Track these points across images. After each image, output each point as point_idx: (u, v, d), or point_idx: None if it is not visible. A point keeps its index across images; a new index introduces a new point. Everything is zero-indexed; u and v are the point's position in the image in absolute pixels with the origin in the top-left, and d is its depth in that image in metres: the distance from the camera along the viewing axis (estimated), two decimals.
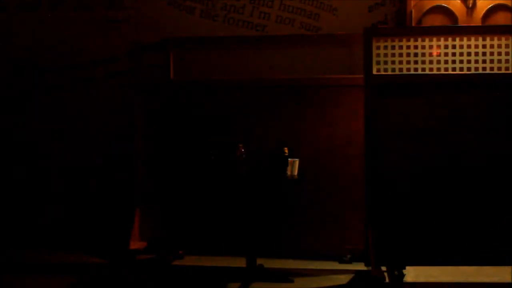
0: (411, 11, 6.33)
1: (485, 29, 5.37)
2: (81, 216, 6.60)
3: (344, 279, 5.55)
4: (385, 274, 5.28)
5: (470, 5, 6.32)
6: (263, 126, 6.15)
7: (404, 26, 6.23)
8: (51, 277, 5.71)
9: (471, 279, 5.43)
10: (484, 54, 5.20)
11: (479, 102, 5.19)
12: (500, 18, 6.30)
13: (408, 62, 5.25)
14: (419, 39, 5.24)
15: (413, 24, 6.28)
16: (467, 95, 5.19)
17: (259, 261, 5.61)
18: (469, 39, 5.22)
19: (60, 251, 6.39)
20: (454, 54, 5.22)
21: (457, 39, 5.23)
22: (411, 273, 5.51)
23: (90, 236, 6.52)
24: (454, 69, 5.22)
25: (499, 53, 5.19)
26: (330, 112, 6.11)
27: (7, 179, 6.74)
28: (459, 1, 6.35)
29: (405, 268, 5.44)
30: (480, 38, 5.21)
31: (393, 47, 5.25)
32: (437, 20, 6.33)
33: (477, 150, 5.16)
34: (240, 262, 5.66)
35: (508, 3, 6.34)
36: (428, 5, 6.36)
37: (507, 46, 5.19)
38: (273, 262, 5.89)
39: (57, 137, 6.69)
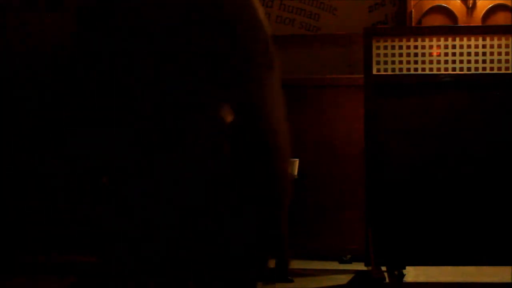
0: (411, 11, 6.33)
1: (485, 29, 5.38)
2: (80, 216, 6.59)
3: (344, 279, 5.55)
4: (385, 274, 5.28)
5: (470, 5, 6.32)
6: None
7: (404, 26, 6.24)
8: (51, 277, 5.70)
9: (471, 279, 5.43)
10: (484, 54, 5.20)
11: (479, 102, 5.19)
12: (500, 18, 6.30)
13: (408, 62, 5.25)
14: (419, 39, 5.25)
15: (413, 24, 6.28)
16: (467, 95, 5.19)
17: None
18: (469, 39, 5.22)
19: (60, 251, 6.39)
20: (454, 54, 5.22)
21: (457, 39, 5.23)
22: (411, 273, 5.51)
23: (90, 236, 6.52)
24: (454, 69, 5.22)
25: (499, 53, 5.19)
26: (330, 112, 6.11)
27: (5, 180, 6.74)
28: (459, 1, 6.36)
29: (405, 268, 5.44)
30: (480, 38, 5.21)
31: (393, 47, 5.25)
32: (437, 20, 6.33)
33: (477, 150, 5.16)
34: None
35: (508, 3, 6.34)
36: (428, 5, 6.36)
37: (507, 46, 5.19)
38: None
39: (57, 137, 6.68)
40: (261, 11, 2.02)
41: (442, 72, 5.23)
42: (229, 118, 2.04)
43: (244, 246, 2.26)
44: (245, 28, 1.96)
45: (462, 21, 6.27)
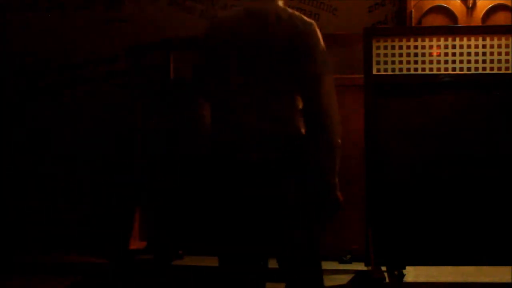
0: (411, 11, 6.34)
1: (485, 29, 5.37)
2: (80, 216, 6.60)
3: (344, 279, 5.54)
4: (385, 274, 5.28)
5: (470, 5, 6.32)
6: None
7: (404, 26, 6.24)
8: (51, 277, 5.71)
9: (471, 279, 5.43)
10: (484, 54, 5.20)
11: (479, 102, 5.19)
12: (500, 18, 6.30)
13: (408, 62, 5.25)
14: (419, 39, 5.25)
15: (413, 24, 6.29)
16: (467, 95, 5.19)
17: None
18: (469, 39, 5.22)
19: (60, 251, 6.39)
20: (454, 54, 5.22)
21: (457, 39, 5.23)
22: (411, 273, 5.51)
23: (90, 236, 6.53)
24: (454, 69, 5.22)
25: (499, 53, 5.19)
26: None
27: (5, 180, 6.75)
28: (459, 1, 6.36)
29: (405, 268, 5.44)
30: (480, 38, 5.21)
31: (393, 47, 5.25)
32: (437, 20, 6.33)
33: (477, 150, 5.16)
34: None
35: (508, 3, 6.34)
36: (428, 5, 6.37)
37: (507, 46, 5.19)
38: (273, 262, 5.88)
39: (57, 137, 6.69)
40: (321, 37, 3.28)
41: (442, 72, 5.23)
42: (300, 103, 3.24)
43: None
44: (316, 55, 3.23)
45: (462, 21, 6.28)
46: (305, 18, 3.29)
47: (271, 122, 3.19)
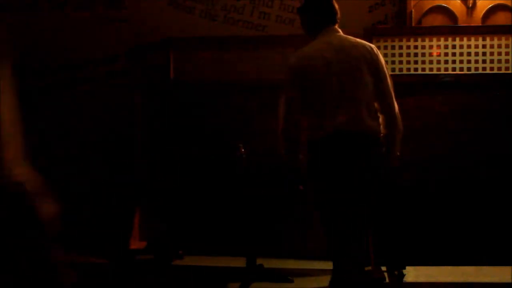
0: (411, 11, 6.34)
1: (485, 29, 5.38)
2: (80, 216, 6.60)
3: None
4: (385, 274, 5.28)
5: (470, 5, 6.32)
6: (263, 126, 6.15)
7: (404, 26, 6.24)
8: None
9: (471, 279, 5.43)
10: (484, 54, 5.21)
11: (479, 102, 5.19)
12: (500, 18, 6.30)
13: (408, 62, 5.25)
14: (419, 39, 5.25)
15: (413, 24, 6.28)
16: (467, 95, 5.20)
17: (259, 261, 5.61)
18: (469, 39, 5.23)
19: (59, 251, 6.38)
20: (454, 54, 5.23)
21: (457, 39, 5.23)
22: (411, 273, 5.51)
23: (89, 236, 6.52)
24: (454, 69, 5.23)
25: (499, 53, 5.20)
26: None
27: None
28: (459, 1, 6.36)
29: (405, 268, 5.44)
30: (480, 38, 5.22)
31: (393, 47, 5.26)
32: (437, 20, 6.33)
33: (477, 150, 5.17)
34: (240, 262, 5.66)
35: (508, 3, 6.34)
36: (428, 5, 6.37)
37: (507, 46, 5.19)
38: (273, 262, 5.89)
39: (57, 137, 6.69)
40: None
41: (442, 72, 5.23)
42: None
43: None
44: (383, 68, 4.20)
45: (462, 21, 6.27)
46: (366, 42, 4.25)
47: (360, 125, 4.07)
